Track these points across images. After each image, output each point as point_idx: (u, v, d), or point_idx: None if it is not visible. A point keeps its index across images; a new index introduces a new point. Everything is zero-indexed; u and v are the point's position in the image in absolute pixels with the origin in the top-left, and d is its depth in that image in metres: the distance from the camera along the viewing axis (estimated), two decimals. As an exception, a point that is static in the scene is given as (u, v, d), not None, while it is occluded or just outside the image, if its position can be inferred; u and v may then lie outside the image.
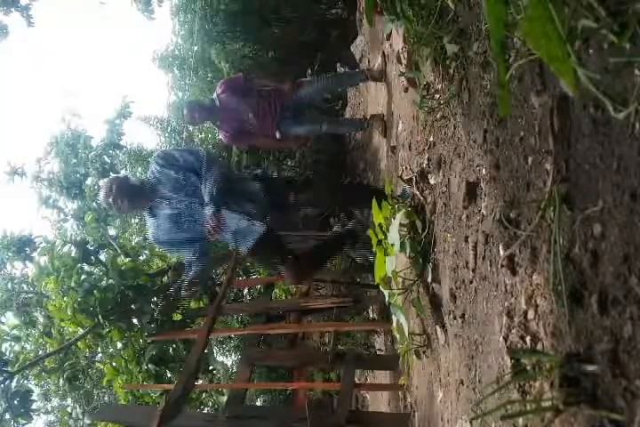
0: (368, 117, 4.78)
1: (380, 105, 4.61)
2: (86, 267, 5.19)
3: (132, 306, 4.83)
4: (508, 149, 1.42)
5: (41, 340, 5.69)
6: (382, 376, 5.25)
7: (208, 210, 3.42)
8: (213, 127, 9.56)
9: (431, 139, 2.43)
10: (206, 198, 3.46)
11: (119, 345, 4.99)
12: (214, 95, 4.55)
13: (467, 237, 1.81)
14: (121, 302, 4.72)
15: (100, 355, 5.96)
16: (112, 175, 4.09)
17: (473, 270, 1.73)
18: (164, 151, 3.94)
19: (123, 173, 9.83)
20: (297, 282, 4.30)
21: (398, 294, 2.54)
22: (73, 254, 5.11)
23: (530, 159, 1.27)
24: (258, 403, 9.84)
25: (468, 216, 1.83)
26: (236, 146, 6.67)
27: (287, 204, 3.73)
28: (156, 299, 5.00)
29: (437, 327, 2.20)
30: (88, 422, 6.68)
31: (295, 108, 4.54)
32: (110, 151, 8.33)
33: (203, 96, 9.65)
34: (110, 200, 3.48)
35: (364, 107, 6.24)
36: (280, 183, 4.01)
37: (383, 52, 4.26)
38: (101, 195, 3.59)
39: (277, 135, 4.60)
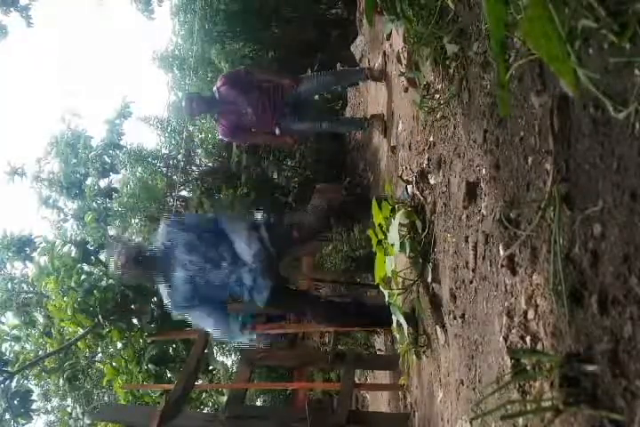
0: (368, 117, 4.78)
1: (380, 105, 4.61)
2: (86, 267, 5.19)
3: (132, 306, 4.83)
4: (508, 149, 1.42)
5: (41, 340, 5.69)
6: (382, 376, 5.24)
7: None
8: (213, 128, 9.57)
9: (431, 139, 2.43)
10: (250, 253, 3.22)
11: (119, 345, 4.99)
12: (214, 88, 4.53)
13: (467, 237, 1.81)
14: (121, 302, 4.72)
15: (100, 355, 5.96)
16: (122, 243, 3.69)
17: (473, 270, 1.73)
18: (169, 218, 3.88)
19: (123, 173, 9.84)
20: (331, 325, 4.08)
21: (398, 294, 2.54)
22: (73, 254, 5.11)
23: (530, 159, 1.27)
24: (258, 403, 9.84)
25: (468, 216, 1.83)
26: (234, 142, 6.63)
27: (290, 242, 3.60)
28: (156, 299, 5.00)
29: (437, 327, 2.20)
30: (88, 422, 6.69)
31: (295, 104, 4.53)
32: (110, 151, 8.34)
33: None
34: (122, 270, 3.31)
35: (364, 107, 6.25)
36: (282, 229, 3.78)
37: (384, 52, 4.26)
38: (113, 264, 3.39)
39: (277, 131, 4.59)
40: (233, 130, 4.65)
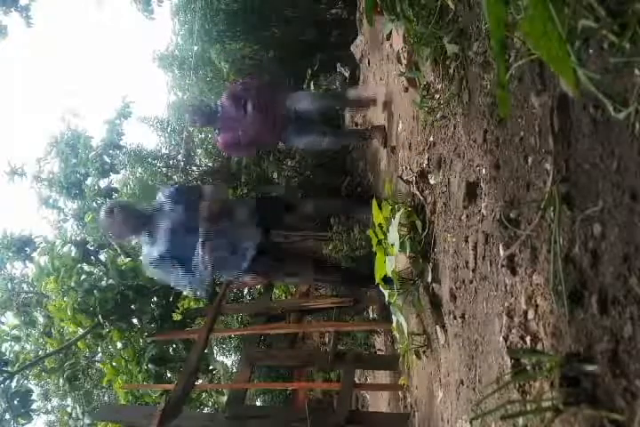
0: (370, 128, 4.78)
1: (381, 114, 4.59)
2: (86, 267, 5.19)
3: (132, 306, 4.83)
4: (508, 149, 1.43)
5: (41, 340, 5.69)
6: (382, 376, 5.25)
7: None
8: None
9: (431, 139, 2.43)
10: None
11: (119, 345, 4.99)
12: (220, 101, 4.52)
13: (467, 237, 1.81)
14: (121, 302, 4.72)
15: (99, 355, 5.96)
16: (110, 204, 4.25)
17: (473, 270, 1.73)
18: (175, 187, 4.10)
19: (123, 173, 9.83)
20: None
21: (398, 294, 2.54)
22: (73, 254, 5.11)
23: (530, 159, 1.27)
24: (258, 403, 9.84)
25: (468, 216, 1.83)
26: (234, 156, 6.64)
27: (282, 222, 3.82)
28: (156, 299, 5.00)
29: (437, 327, 2.20)
30: (88, 422, 6.68)
31: (297, 119, 4.52)
32: (110, 151, 8.33)
33: (203, 96, 9.66)
34: (110, 221, 3.55)
35: (364, 113, 6.24)
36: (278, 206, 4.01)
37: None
38: (102, 216, 3.62)
39: (280, 144, 4.62)
40: (233, 146, 4.63)
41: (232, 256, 3.57)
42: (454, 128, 2.04)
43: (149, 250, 3.58)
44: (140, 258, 3.74)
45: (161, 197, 3.75)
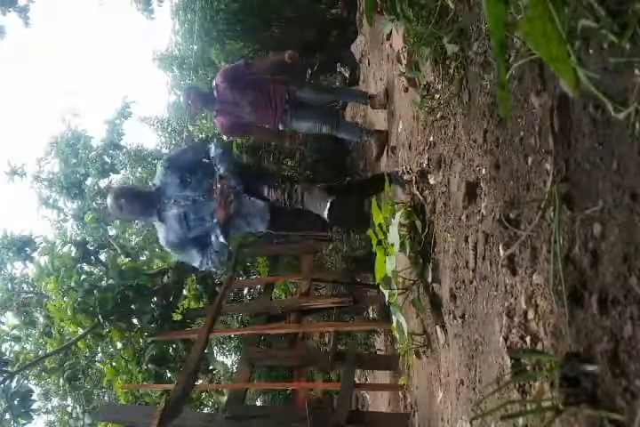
0: (370, 130, 4.77)
1: (382, 120, 4.60)
2: (86, 267, 5.19)
3: (132, 306, 4.83)
4: (508, 149, 1.43)
5: (41, 340, 5.69)
6: (382, 376, 5.25)
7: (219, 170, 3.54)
8: (214, 127, 9.54)
9: (431, 139, 2.43)
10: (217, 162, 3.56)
11: (119, 345, 4.99)
12: (214, 83, 4.50)
13: (467, 237, 1.81)
14: (121, 302, 4.72)
15: (100, 355, 5.96)
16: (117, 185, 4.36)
17: (473, 270, 1.73)
18: (167, 155, 4.05)
19: (123, 173, 9.84)
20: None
21: (398, 294, 2.54)
22: (73, 254, 5.11)
23: (530, 159, 1.27)
24: (258, 403, 9.84)
25: (467, 216, 1.83)
26: (231, 136, 6.66)
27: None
28: (156, 299, 5.01)
29: (437, 327, 2.20)
30: (88, 422, 6.69)
31: (297, 103, 4.52)
32: (110, 151, 8.32)
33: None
34: (120, 203, 3.58)
35: (364, 113, 6.24)
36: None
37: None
38: (109, 200, 3.65)
39: (280, 127, 4.61)
40: (232, 127, 4.65)
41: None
42: (454, 128, 2.04)
43: (165, 234, 3.65)
44: (159, 241, 3.81)
45: (160, 173, 3.70)
